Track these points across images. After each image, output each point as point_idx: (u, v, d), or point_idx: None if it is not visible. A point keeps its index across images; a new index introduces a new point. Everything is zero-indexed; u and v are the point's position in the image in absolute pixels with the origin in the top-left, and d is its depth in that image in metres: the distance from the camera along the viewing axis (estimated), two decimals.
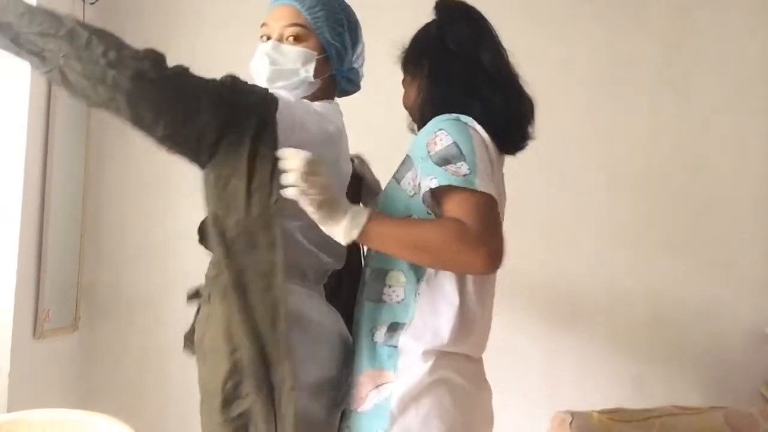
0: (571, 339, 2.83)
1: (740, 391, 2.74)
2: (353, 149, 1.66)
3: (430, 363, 1.37)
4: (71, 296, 2.79)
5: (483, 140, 1.39)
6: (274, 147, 1.34)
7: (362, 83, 1.68)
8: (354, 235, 1.29)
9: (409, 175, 1.43)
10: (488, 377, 1.51)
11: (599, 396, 2.60)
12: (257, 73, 1.53)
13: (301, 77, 1.52)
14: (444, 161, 1.33)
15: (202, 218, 1.42)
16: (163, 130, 1.29)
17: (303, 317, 1.43)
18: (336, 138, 1.52)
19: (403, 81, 1.60)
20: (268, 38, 1.55)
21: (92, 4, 2.78)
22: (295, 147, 1.35)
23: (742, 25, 2.88)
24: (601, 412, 2.30)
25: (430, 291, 1.39)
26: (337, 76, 1.60)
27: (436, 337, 1.37)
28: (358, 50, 1.62)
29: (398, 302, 1.42)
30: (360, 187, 1.70)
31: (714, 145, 2.87)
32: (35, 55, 1.27)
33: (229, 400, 1.36)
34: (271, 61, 1.51)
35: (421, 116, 1.52)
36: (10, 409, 2.31)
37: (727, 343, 2.78)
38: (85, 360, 2.88)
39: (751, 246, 2.83)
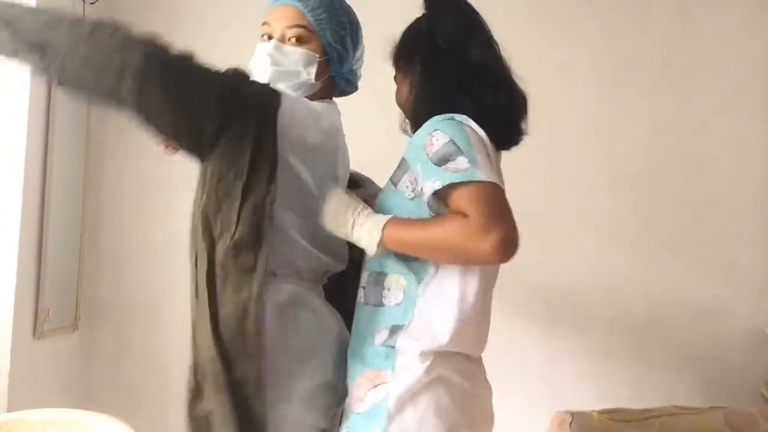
0: (571, 339, 2.82)
1: (740, 391, 2.73)
2: (352, 150, 1.65)
3: (427, 362, 1.36)
4: (71, 296, 2.79)
5: (480, 137, 1.38)
6: (274, 144, 1.34)
7: (360, 84, 1.68)
8: (376, 242, 1.33)
9: (405, 177, 1.42)
10: (488, 377, 1.50)
11: (599, 396, 2.61)
12: (258, 72, 1.52)
13: (302, 79, 1.52)
14: (443, 160, 1.32)
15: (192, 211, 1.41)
16: (169, 117, 1.29)
17: (295, 316, 1.42)
18: (333, 133, 1.52)
19: (395, 77, 1.58)
20: (269, 37, 1.54)
21: (92, 3, 2.78)
22: (292, 142, 1.35)
23: (742, 24, 2.88)
24: (601, 412, 2.29)
25: (430, 292, 1.39)
26: (336, 78, 1.59)
27: (435, 338, 1.37)
28: (359, 52, 1.62)
29: (397, 304, 1.41)
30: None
31: (714, 145, 2.86)
32: (35, 49, 1.27)
33: (194, 398, 1.36)
34: (273, 62, 1.51)
35: (414, 114, 1.51)
36: (10, 409, 2.31)
37: (727, 343, 2.78)
38: (85, 360, 2.88)
39: (751, 246, 2.82)
